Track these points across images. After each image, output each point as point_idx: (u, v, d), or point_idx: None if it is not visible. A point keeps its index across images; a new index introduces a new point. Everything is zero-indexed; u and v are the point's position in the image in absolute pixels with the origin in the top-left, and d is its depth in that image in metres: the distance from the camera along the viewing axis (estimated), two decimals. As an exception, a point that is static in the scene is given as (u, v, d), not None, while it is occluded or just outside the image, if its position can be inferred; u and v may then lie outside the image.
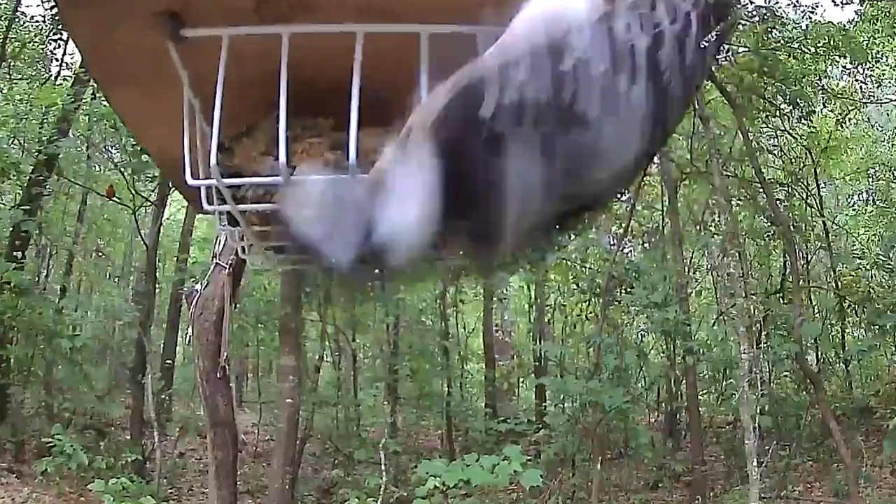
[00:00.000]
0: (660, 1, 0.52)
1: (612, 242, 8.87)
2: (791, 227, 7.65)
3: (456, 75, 0.52)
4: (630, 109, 0.50)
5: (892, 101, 10.34)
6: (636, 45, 0.49)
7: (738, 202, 8.59)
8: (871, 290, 8.71)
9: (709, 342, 8.06)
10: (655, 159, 8.15)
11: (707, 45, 0.54)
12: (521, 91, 0.47)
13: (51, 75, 9.26)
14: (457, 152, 0.50)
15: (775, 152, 9.14)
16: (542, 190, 0.51)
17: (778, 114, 8.16)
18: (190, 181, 0.69)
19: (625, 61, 0.49)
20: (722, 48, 0.52)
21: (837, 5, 8.06)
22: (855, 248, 10.59)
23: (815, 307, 9.37)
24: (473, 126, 0.48)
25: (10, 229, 7.28)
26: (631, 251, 10.85)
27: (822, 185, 10.01)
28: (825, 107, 9.27)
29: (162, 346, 9.73)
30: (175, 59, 0.66)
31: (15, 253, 7.04)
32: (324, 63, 0.67)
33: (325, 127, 0.78)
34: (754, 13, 7.70)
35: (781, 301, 8.29)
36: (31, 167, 7.55)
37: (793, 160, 9.11)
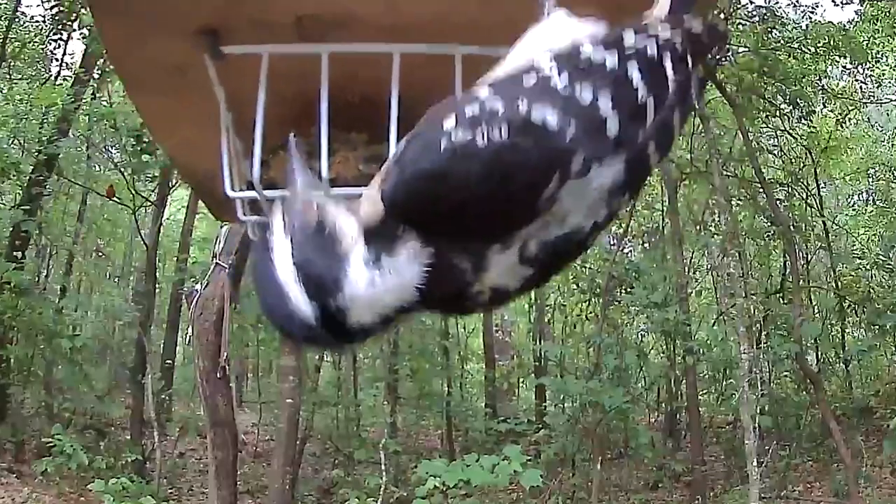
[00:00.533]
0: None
1: (612, 242, 8.87)
2: (791, 227, 7.66)
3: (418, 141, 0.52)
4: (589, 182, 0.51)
5: (892, 101, 10.35)
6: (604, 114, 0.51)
7: (738, 202, 8.59)
8: (871, 290, 8.71)
9: (709, 342, 8.06)
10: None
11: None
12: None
13: (51, 75, 9.27)
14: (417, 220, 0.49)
15: (775, 152, 9.14)
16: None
17: (778, 114, 8.16)
18: (230, 193, 0.71)
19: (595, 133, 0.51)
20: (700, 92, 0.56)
21: (837, 5, 8.07)
22: (855, 248, 10.60)
23: (815, 307, 9.37)
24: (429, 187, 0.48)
25: (10, 229, 7.28)
26: (631, 251, 10.85)
27: (822, 185, 10.01)
28: (825, 107, 9.27)
29: (162, 346, 9.73)
30: (212, 74, 0.68)
31: (15, 253, 7.04)
32: (356, 78, 0.70)
33: (358, 141, 0.80)
34: (754, 13, 7.71)
35: (781, 301, 8.29)
36: (31, 167, 7.55)
37: (793, 160, 9.11)
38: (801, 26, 7.92)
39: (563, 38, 0.55)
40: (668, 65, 0.54)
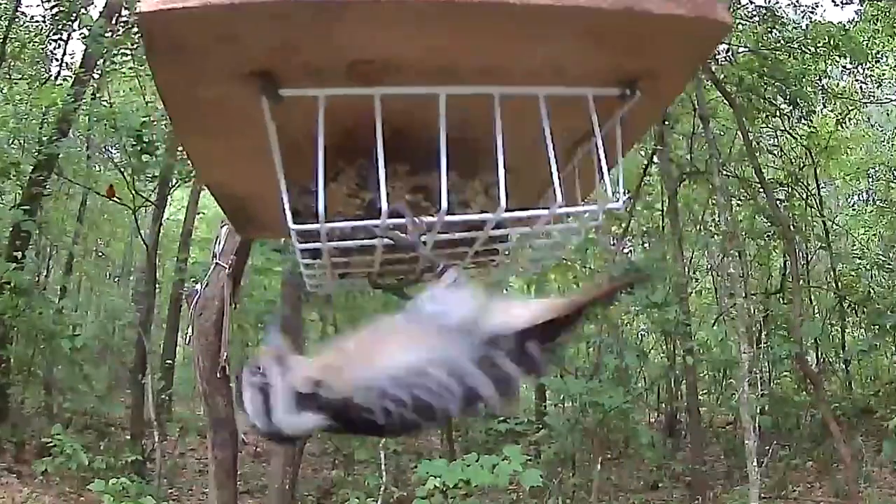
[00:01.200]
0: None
1: (612, 242, 8.87)
2: (791, 227, 7.66)
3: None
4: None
5: (892, 101, 10.35)
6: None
7: (738, 202, 8.59)
8: (871, 290, 8.71)
9: (709, 342, 8.06)
10: (655, 159, 8.16)
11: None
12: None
13: (51, 75, 9.27)
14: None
15: (775, 152, 9.14)
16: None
17: (778, 114, 8.16)
18: (293, 226, 0.77)
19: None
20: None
21: (837, 5, 8.08)
22: (855, 248, 10.60)
23: (815, 307, 9.38)
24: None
25: (10, 229, 7.28)
26: (631, 251, 10.85)
27: (822, 185, 10.02)
28: (825, 107, 9.27)
29: (162, 346, 9.73)
30: (266, 114, 0.71)
31: (15, 253, 7.04)
32: (398, 113, 0.73)
33: (400, 172, 0.86)
34: (754, 13, 7.72)
35: (781, 301, 8.29)
36: (31, 167, 7.55)
37: (793, 160, 9.10)
38: (801, 26, 7.92)
39: (449, 320, 0.79)
40: (513, 371, 0.78)
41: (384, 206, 0.74)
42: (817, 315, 9.30)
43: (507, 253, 1.05)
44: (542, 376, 0.87)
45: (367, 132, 0.73)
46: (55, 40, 9.03)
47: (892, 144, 11.37)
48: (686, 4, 0.67)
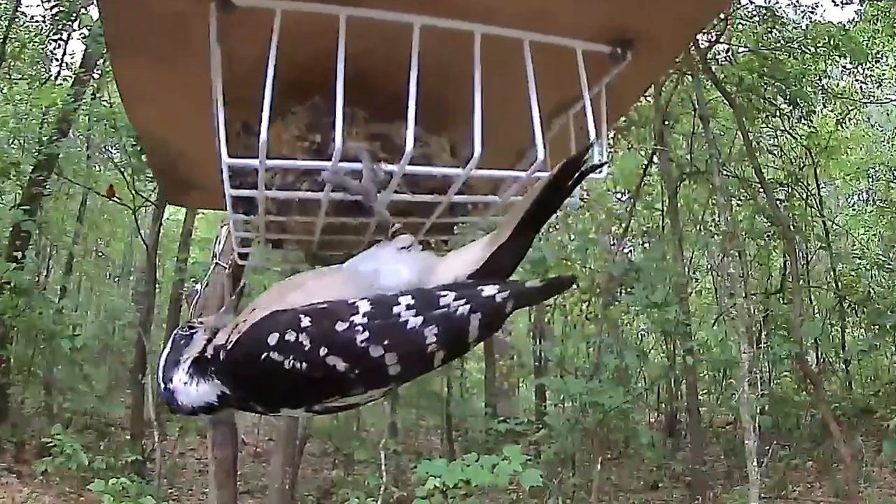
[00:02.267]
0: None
1: (612, 242, 8.87)
2: (791, 227, 7.65)
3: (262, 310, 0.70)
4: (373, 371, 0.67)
5: (892, 101, 10.34)
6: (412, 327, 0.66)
7: (738, 202, 8.58)
8: (871, 290, 8.71)
9: (709, 342, 8.06)
10: (655, 159, 8.16)
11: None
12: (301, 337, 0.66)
13: (51, 75, 9.27)
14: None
15: (775, 152, 9.13)
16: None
17: (778, 114, 8.16)
18: (227, 160, 0.66)
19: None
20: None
21: (837, 5, 8.07)
22: (855, 248, 10.59)
23: (815, 307, 9.37)
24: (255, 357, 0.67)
25: (10, 229, 7.28)
26: (631, 251, 10.85)
27: (822, 185, 10.01)
28: (825, 107, 9.27)
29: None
30: (212, 30, 0.62)
31: (15, 253, 7.04)
32: (362, 52, 0.64)
33: (359, 118, 0.76)
34: (754, 13, 7.71)
35: (781, 301, 8.29)
36: (31, 167, 7.55)
37: (793, 160, 9.10)
38: (801, 26, 7.92)
39: (388, 281, 0.70)
40: (475, 324, 0.67)
41: (338, 142, 0.63)
42: (817, 315, 9.30)
43: (464, 225, 0.92)
44: (504, 320, 0.70)
45: (324, 67, 0.64)
46: (55, 40, 9.03)
47: (892, 144, 11.37)
48: None
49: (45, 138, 7.55)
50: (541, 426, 7.40)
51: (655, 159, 8.17)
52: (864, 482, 6.40)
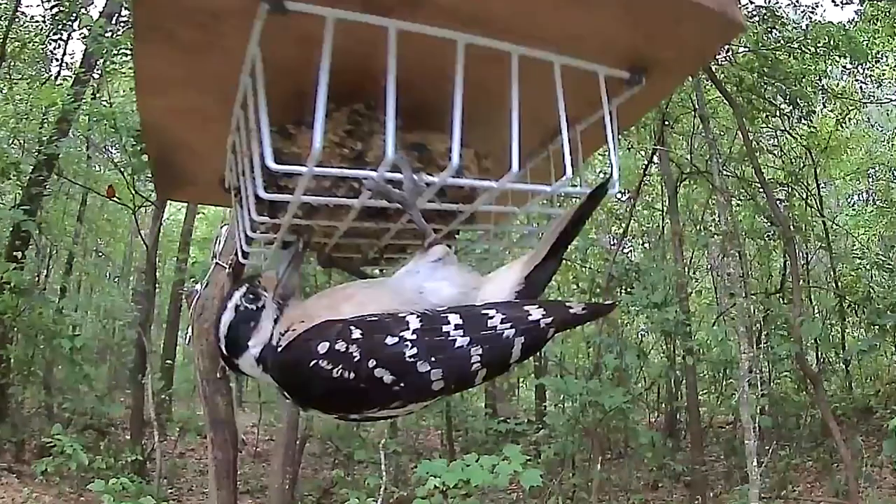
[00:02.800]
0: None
1: (612, 242, 8.87)
2: (791, 227, 7.65)
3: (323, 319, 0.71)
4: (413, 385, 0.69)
5: (892, 101, 10.34)
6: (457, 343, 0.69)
7: (738, 202, 8.58)
8: (871, 290, 8.71)
9: (709, 342, 8.06)
10: (655, 159, 8.16)
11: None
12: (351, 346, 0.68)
13: (51, 75, 9.27)
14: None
15: (775, 152, 9.14)
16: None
17: (778, 114, 8.16)
18: (273, 166, 0.66)
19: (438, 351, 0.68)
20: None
21: (837, 5, 8.06)
22: (855, 248, 10.60)
23: (815, 307, 9.37)
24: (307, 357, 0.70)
25: (10, 229, 7.28)
26: (631, 251, 10.85)
27: (822, 185, 10.01)
28: (825, 107, 9.26)
29: (162, 346, 9.73)
30: (255, 31, 0.62)
31: (15, 253, 7.03)
32: (401, 60, 0.65)
33: (396, 126, 0.77)
34: (754, 13, 7.71)
35: (781, 301, 8.29)
36: (31, 167, 7.54)
37: (793, 160, 9.11)
38: (801, 26, 7.91)
39: (432, 297, 0.72)
40: (518, 346, 0.70)
41: (389, 153, 0.64)
42: (817, 315, 9.29)
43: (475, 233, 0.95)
44: (545, 343, 0.73)
45: (368, 74, 0.65)
46: (55, 40, 9.03)
47: (892, 144, 11.36)
48: (716, 4, 0.69)
49: (45, 138, 7.55)
50: (541, 426, 7.40)
51: (655, 159, 8.17)
52: (864, 482, 6.40)
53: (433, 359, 0.67)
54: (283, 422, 5.68)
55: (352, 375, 0.67)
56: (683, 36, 0.73)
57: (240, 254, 0.98)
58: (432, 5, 0.64)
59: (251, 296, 0.77)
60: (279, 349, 0.72)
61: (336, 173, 0.72)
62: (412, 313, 0.69)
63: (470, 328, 0.68)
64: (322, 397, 0.71)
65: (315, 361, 0.68)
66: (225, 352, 0.77)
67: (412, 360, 0.67)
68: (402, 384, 0.68)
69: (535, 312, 0.71)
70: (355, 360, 0.67)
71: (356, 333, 0.68)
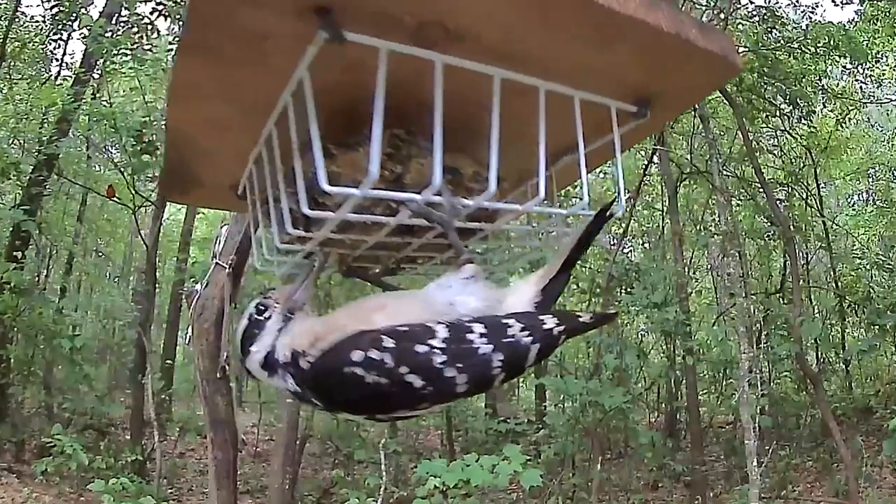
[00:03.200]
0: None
1: (612, 242, 8.87)
2: (791, 227, 7.65)
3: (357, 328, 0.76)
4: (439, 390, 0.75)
5: (892, 101, 10.35)
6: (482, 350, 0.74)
7: (738, 202, 8.58)
8: (871, 290, 8.71)
9: (709, 342, 8.06)
10: (655, 159, 8.16)
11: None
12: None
13: (51, 75, 9.27)
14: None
15: (775, 152, 9.14)
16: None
17: (778, 114, 8.16)
18: (327, 188, 0.68)
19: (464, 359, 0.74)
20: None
21: (837, 5, 8.07)
22: (855, 248, 10.60)
23: (815, 307, 9.37)
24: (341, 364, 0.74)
25: (10, 229, 7.28)
26: (631, 251, 10.85)
27: (822, 185, 10.02)
28: (825, 107, 9.27)
29: (162, 346, 9.73)
30: (307, 56, 0.65)
31: (15, 253, 7.04)
32: (426, 87, 0.70)
33: (425, 150, 0.81)
34: (754, 13, 7.71)
35: (781, 301, 8.29)
36: (31, 167, 7.55)
37: (793, 160, 9.11)
38: (801, 26, 7.91)
39: (461, 309, 0.78)
40: (534, 352, 0.76)
41: (437, 178, 0.69)
42: (817, 315, 9.30)
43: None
44: (556, 349, 0.81)
45: (408, 100, 0.69)
46: (55, 40, 9.04)
47: (892, 144, 11.37)
48: (716, 43, 0.75)
49: (45, 138, 7.55)
50: (541, 426, 7.40)
51: (655, 159, 8.17)
52: (864, 482, 6.40)
53: (459, 365, 0.73)
54: (283, 422, 5.68)
55: (385, 381, 0.72)
56: (688, 76, 0.80)
57: (258, 262, 1.03)
58: (474, 42, 0.69)
59: (261, 307, 0.86)
60: (312, 359, 0.78)
61: (385, 196, 0.75)
62: (440, 323, 0.75)
63: (493, 336, 0.75)
64: (355, 401, 0.77)
65: (350, 368, 0.73)
66: (241, 354, 0.85)
67: (441, 366, 0.72)
68: (430, 388, 0.73)
69: (550, 321, 0.78)
70: (388, 367, 0.72)
71: (389, 342, 0.73)
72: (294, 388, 0.80)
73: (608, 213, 0.83)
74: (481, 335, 0.74)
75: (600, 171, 7.11)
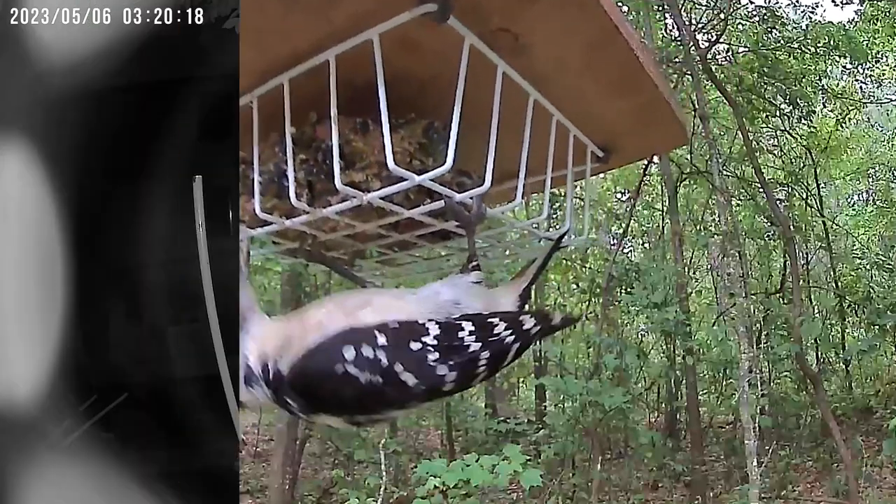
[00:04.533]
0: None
1: (612, 242, 8.87)
2: (791, 227, 7.65)
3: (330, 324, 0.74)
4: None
5: (892, 101, 10.34)
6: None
7: (738, 202, 8.58)
8: (871, 290, 8.71)
9: (709, 342, 8.06)
10: (655, 159, 8.15)
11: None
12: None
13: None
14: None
15: (775, 152, 9.14)
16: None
17: (778, 114, 8.16)
18: (393, 167, 0.67)
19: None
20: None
21: (837, 5, 8.06)
22: (855, 248, 10.60)
23: (815, 307, 9.37)
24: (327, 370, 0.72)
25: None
26: (631, 251, 10.85)
27: (822, 185, 10.01)
28: (825, 107, 9.27)
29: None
30: (394, 21, 0.63)
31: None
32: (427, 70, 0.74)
33: (416, 127, 0.81)
34: (754, 13, 7.72)
35: (781, 301, 8.29)
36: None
37: (793, 160, 9.11)
38: (801, 26, 7.91)
39: (466, 311, 0.78)
40: (514, 351, 0.77)
41: (488, 180, 0.70)
42: (817, 315, 9.29)
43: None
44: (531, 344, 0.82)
45: (449, 94, 0.67)
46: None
47: (892, 144, 11.36)
48: (681, 117, 0.88)
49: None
50: (541, 426, 7.40)
51: (655, 159, 8.16)
52: (864, 482, 6.40)
53: (451, 362, 0.73)
54: (282, 422, 5.69)
55: (379, 379, 0.71)
56: (653, 134, 0.91)
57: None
58: (528, 60, 0.72)
59: None
60: (287, 360, 0.74)
61: (434, 187, 0.73)
62: (431, 320, 0.75)
63: (480, 334, 0.75)
64: (344, 400, 0.74)
65: (343, 367, 0.71)
66: None
67: (433, 363, 0.72)
68: (423, 387, 0.73)
69: (528, 321, 0.80)
70: (382, 364, 0.71)
71: (382, 340, 0.72)
72: (266, 394, 0.75)
73: (560, 241, 0.91)
74: (471, 333, 0.75)
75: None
